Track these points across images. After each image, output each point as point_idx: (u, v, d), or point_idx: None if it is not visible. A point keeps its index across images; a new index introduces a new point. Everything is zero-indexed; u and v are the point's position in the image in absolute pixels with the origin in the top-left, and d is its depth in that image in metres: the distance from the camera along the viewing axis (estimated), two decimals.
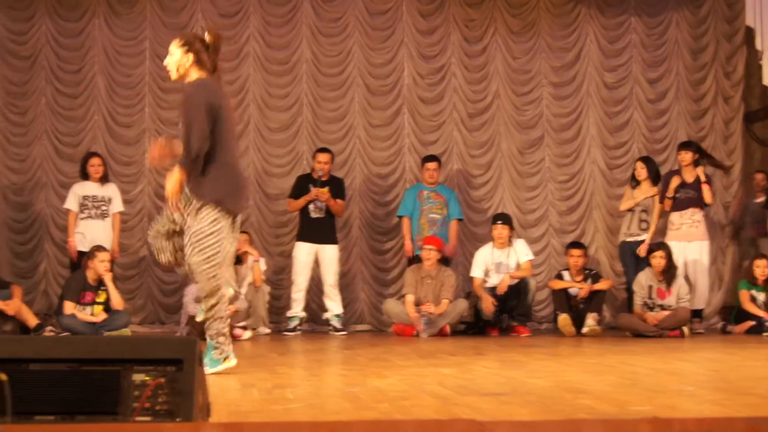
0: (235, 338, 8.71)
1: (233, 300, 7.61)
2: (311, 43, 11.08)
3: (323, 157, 10.00)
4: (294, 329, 9.84)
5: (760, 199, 10.62)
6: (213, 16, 10.97)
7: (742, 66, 11.34)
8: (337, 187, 10.02)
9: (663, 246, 9.45)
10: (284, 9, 11.08)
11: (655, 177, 10.11)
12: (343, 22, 11.15)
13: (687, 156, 9.92)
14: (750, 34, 10.58)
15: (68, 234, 9.57)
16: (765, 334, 9.13)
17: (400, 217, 10.35)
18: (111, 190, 9.67)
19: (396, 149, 11.12)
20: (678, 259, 9.59)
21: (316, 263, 9.99)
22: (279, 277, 10.55)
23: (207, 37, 5.64)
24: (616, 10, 11.41)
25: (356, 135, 11.06)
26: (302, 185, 9.95)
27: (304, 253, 9.92)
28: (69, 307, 8.67)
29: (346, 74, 11.10)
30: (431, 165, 10.24)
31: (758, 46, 10.25)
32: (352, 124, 11.07)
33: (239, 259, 9.70)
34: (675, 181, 9.78)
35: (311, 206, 9.90)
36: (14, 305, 8.34)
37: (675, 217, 9.82)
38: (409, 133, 11.13)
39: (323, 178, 9.90)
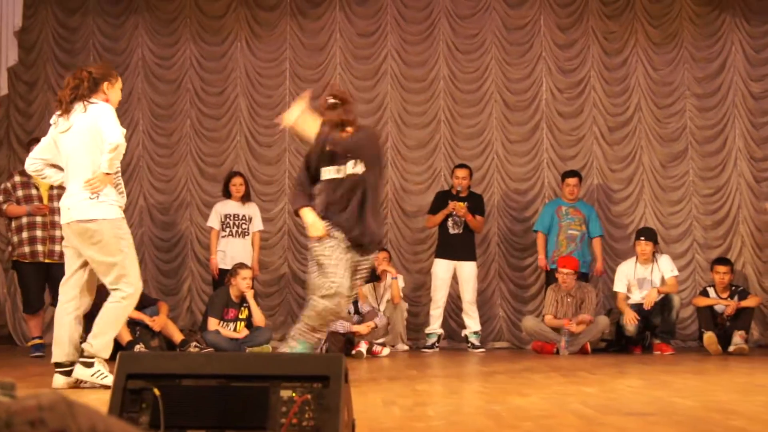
0: (373, 354, 8.80)
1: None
2: (448, 59, 11.11)
3: (461, 172, 10.01)
4: (432, 346, 9.84)
5: None
6: (351, 36, 11.13)
7: None
8: (476, 203, 10.00)
9: None
10: (421, 27, 11.14)
11: None
12: (480, 37, 11.14)
13: None
14: None
15: (210, 252, 9.83)
16: None
17: (536, 231, 10.26)
18: (252, 210, 9.88)
19: (534, 165, 11.03)
20: None
21: (455, 280, 9.99)
22: (417, 294, 10.58)
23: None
24: (761, 18, 11.07)
25: (494, 151, 11.02)
26: (441, 201, 9.97)
27: (442, 269, 9.93)
28: (213, 323, 8.88)
29: (483, 90, 11.08)
30: (571, 181, 10.12)
31: None
32: (489, 140, 11.04)
33: (378, 277, 9.79)
34: None
35: (450, 222, 9.90)
36: (160, 321, 8.58)
37: None
38: (547, 149, 11.03)
39: (462, 194, 9.89)
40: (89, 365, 5.44)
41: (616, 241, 10.82)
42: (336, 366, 2.52)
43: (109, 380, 5.26)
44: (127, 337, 8.09)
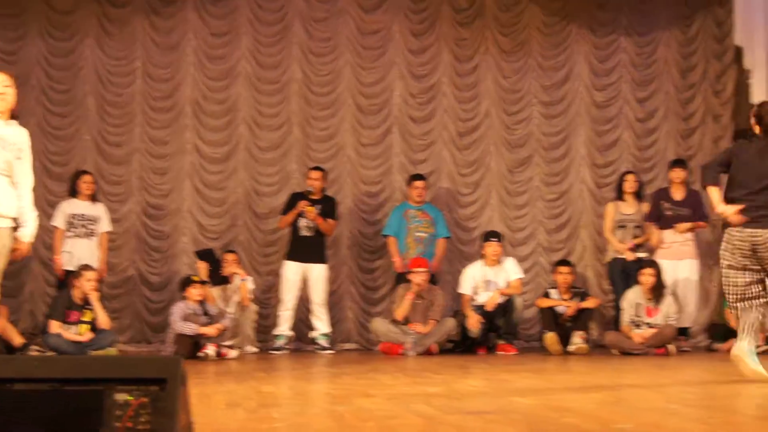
0: (221, 357, 8.74)
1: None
2: (302, 62, 11.11)
3: (315, 174, 10.04)
4: (280, 348, 9.83)
5: None
6: (205, 36, 11.01)
7: (731, 85, 11.39)
8: (328, 206, 10.04)
9: (653, 264, 9.49)
10: (275, 29, 11.11)
11: (639, 193, 10.19)
12: (334, 41, 11.19)
13: (681, 174, 9.98)
14: (739, 53, 10.64)
15: (54, 251, 9.57)
16: None
17: (386, 235, 10.37)
18: (99, 210, 9.67)
19: (385, 168, 11.15)
20: (668, 277, 9.64)
21: (304, 282, 10.00)
22: (267, 296, 10.55)
23: None
24: (606, 29, 11.47)
25: (346, 154, 11.09)
26: (294, 203, 9.96)
27: (292, 272, 9.93)
28: (55, 326, 8.65)
29: (336, 94, 11.13)
30: (419, 184, 10.28)
31: (747, 65, 10.32)
32: (342, 143, 11.10)
33: (226, 279, 9.73)
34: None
35: (301, 224, 9.91)
36: None
37: (665, 235, 9.86)
38: (398, 153, 11.16)
39: (315, 196, 9.92)
40: None
41: (463, 244, 11.04)
42: (173, 368, 2.50)
43: None
44: None
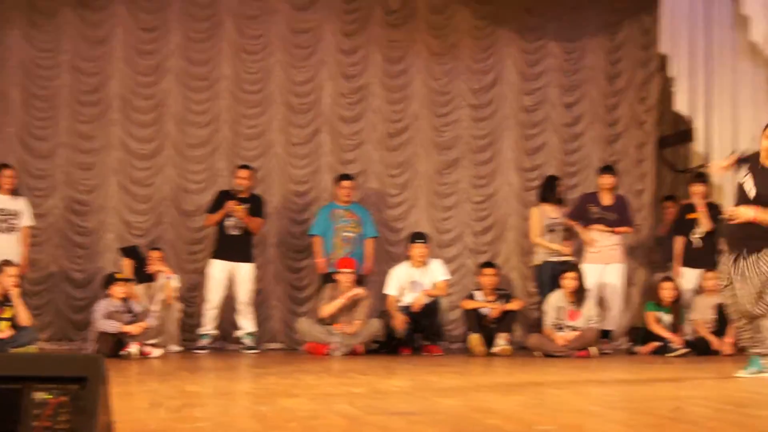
0: (144, 355, 8.65)
1: None
2: (232, 60, 11.05)
3: (243, 173, 10.00)
4: (205, 347, 9.77)
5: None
6: (134, 30, 10.88)
7: (656, 92, 11.59)
8: (256, 204, 10.00)
9: (574, 267, 9.62)
10: (205, 25, 11.03)
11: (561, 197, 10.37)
12: (265, 39, 11.14)
13: (609, 180, 10.14)
14: (664, 61, 10.83)
15: None
16: (669, 354, 9.34)
17: (312, 235, 10.36)
18: (20, 204, 9.51)
19: (314, 168, 11.13)
20: (594, 281, 9.78)
21: (230, 281, 9.95)
22: (193, 294, 10.46)
23: None
24: (534, 34, 11.59)
25: (274, 152, 11.05)
26: (221, 201, 9.90)
27: (218, 270, 9.88)
28: None
29: (266, 92, 11.09)
30: (347, 183, 10.29)
31: (671, 72, 10.50)
32: (270, 141, 11.06)
33: (151, 277, 9.63)
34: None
35: (228, 223, 9.85)
36: None
37: (595, 238, 10.00)
38: (327, 152, 11.15)
39: (242, 195, 9.87)
40: None
41: (391, 245, 11.07)
42: (94, 367, 2.47)
43: None
44: None
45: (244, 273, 9.91)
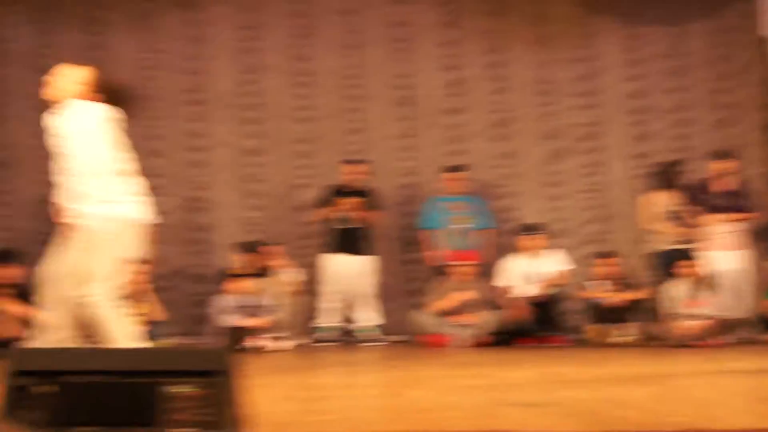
0: (268, 349, 8.74)
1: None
2: (333, 54, 11.01)
3: (354, 168, 10.03)
4: (327, 340, 9.82)
5: None
6: (236, 29, 10.98)
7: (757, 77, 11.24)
8: (371, 198, 10.01)
9: (692, 255, 9.38)
10: (306, 20, 11.05)
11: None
12: (364, 33, 11.09)
13: (725, 165, 9.84)
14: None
15: None
16: None
17: (423, 228, 10.32)
18: None
19: (422, 160, 11.07)
20: (719, 268, 9.51)
21: (348, 274, 9.97)
22: (313, 288, 10.52)
23: None
24: (636, 20, 11.14)
25: (380, 146, 10.97)
26: (332, 195, 9.93)
27: (334, 264, 9.91)
28: None
29: (368, 86, 11.07)
30: (456, 175, 10.22)
31: None
32: (375, 135, 11.00)
33: (272, 271, 9.73)
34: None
35: (342, 216, 9.88)
36: None
37: (715, 226, 9.74)
38: (434, 144, 11.08)
39: (354, 189, 9.90)
40: None
41: (501, 235, 10.91)
42: (227, 360, 2.49)
43: None
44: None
45: (364, 265, 9.92)
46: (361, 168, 10.07)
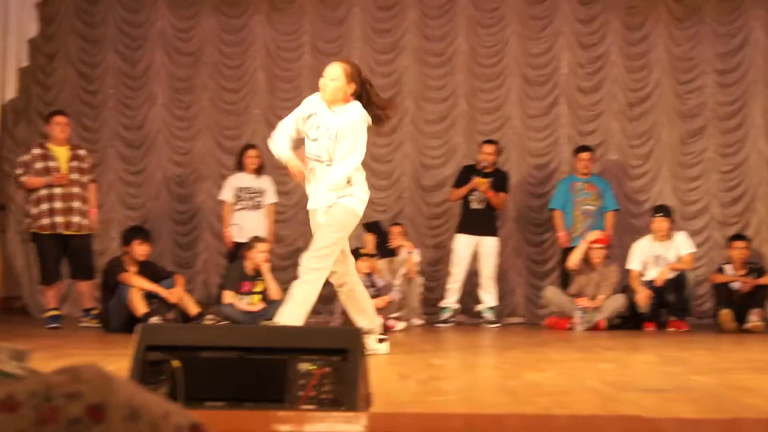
0: (388, 329, 8.82)
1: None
2: (468, 34, 11.04)
3: (489, 148, 10.00)
4: (447, 321, 9.86)
5: None
6: (371, 9, 11.07)
7: None
8: (500, 179, 9.99)
9: None
10: (441, 1, 11.07)
11: None
12: (500, 12, 11.06)
13: None
14: None
15: (223, 225, 9.87)
16: None
17: (552, 209, 10.24)
18: (265, 182, 9.89)
19: (552, 140, 10.99)
20: None
21: (474, 255, 9.98)
22: (434, 269, 10.58)
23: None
24: None
25: (512, 126, 10.97)
26: (466, 175, 9.94)
27: (463, 244, 9.92)
28: (228, 296, 8.89)
29: (502, 65, 11.02)
30: (585, 155, 10.10)
31: None
32: (508, 115, 10.99)
33: (393, 251, 9.80)
34: None
35: (472, 197, 9.89)
36: (177, 293, 8.61)
37: None
38: (565, 124, 10.97)
39: (487, 170, 9.88)
40: None
41: (634, 217, 10.78)
42: (355, 339, 2.54)
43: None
44: (143, 309, 8.13)
45: (489, 247, 9.92)
46: (494, 148, 10.05)
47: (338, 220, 5.97)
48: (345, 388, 2.46)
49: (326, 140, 5.92)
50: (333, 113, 5.95)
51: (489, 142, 10.11)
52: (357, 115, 5.92)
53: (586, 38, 11.02)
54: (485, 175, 9.83)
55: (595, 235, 9.59)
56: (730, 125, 10.92)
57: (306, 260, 6.05)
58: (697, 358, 6.03)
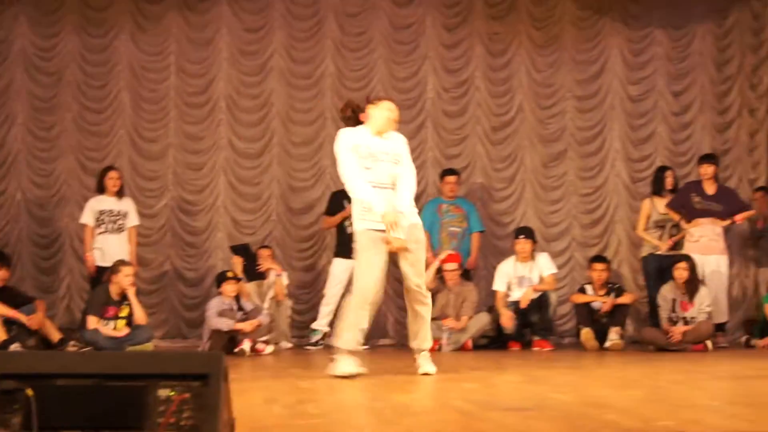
0: (257, 352, 8.75)
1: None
2: (335, 57, 11.11)
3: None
4: (317, 343, 9.84)
5: None
6: (238, 31, 11.03)
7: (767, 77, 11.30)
8: None
9: (686, 258, 9.40)
10: (308, 23, 11.11)
11: (675, 189, 10.13)
12: (367, 36, 11.17)
13: (709, 169, 9.89)
14: None
15: (85, 248, 9.64)
16: None
17: None
18: (127, 204, 9.71)
19: (419, 163, 11.07)
20: (705, 271, 9.56)
21: (350, 279, 9.99)
22: (303, 291, 10.56)
23: None
24: (640, 22, 11.38)
25: None
26: (338, 201, 9.94)
27: (340, 268, 9.90)
28: (92, 321, 8.70)
29: (369, 88, 11.10)
30: (451, 178, 10.27)
31: None
32: None
33: (261, 275, 9.74)
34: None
35: (347, 222, 9.90)
36: (37, 319, 8.38)
37: (694, 229, 9.76)
38: (432, 147, 11.13)
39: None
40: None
41: (498, 239, 10.99)
42: (216, 364, 2.50)
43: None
44: (2, 336, 7.87)
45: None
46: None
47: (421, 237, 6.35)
48: (206, 413, 2.42)
49: (388, 165, 6.13)
50: (383, 139, 6.21)
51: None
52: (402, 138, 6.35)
53: (452, 63, 11.21)
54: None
55: (445, 254, 9.73)
56: (589, 149, 11.26)
57: (424, 285, 6.35)
58: (559, 376, 6.16)
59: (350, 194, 6.19)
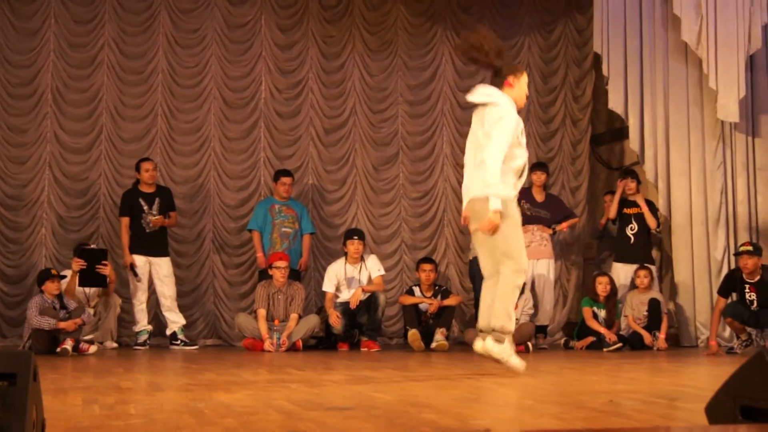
0: (80, 352, 8.54)
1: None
2: (168, 53, 10.95)
3: (147, 165, 9.93)
4: (144, 343, 9.68)
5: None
6: (66, 22, 10.73)
7: (590, 90, 11.76)
8: (167, 198, 9.95)
9: None
10: (141, 18, 10.92)
11: None
12: (201, 33, 11.07)
13: (542, 177, 10.23)
14: (598, 59, 10.96)
15: None
16: (605, 349, 9.46)
17: (251, 230, 10.33)
18: None
19: (251, 163, 11.09)
20: (531, 274, 9.88)
21: (151, 276, 9.88)
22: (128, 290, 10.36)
23: None
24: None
25: (211, 147, 10.97)
26: (129, 201, 9.82)
27: (140, 264, 9.78)
28: None
29: (202, 86, 11.02)
30: (286, 180, 10.27)
31: (605, 71, 10.62)
32: (207, 136, 10.98)
33: (100, 281, 9.49)
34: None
35: (144, 221, 9.79)
36: None
37: (524, 235, 10.06)
38: (264, 147, 11.11)
39: (149, 190, 9.83)
40: (500, 341, 5.95)
41: (329, 240, 11.06)
42: (24, 363, 2.44)
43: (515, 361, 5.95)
44: None
45: (165, 268, 9.85)
46: (152, 165, 10.05)
47: None
48: (12, 414, 2.36)
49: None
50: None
51: (144, 159, 10.05)
52: None
53: (286, 64, 11.22)
54: (147, 196, 9.79)
55: (276, 255, 9.75)
56: (420, 154, 11.46)
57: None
58: (383, 376, 6.25)
59: (489, 176, 6.01)
